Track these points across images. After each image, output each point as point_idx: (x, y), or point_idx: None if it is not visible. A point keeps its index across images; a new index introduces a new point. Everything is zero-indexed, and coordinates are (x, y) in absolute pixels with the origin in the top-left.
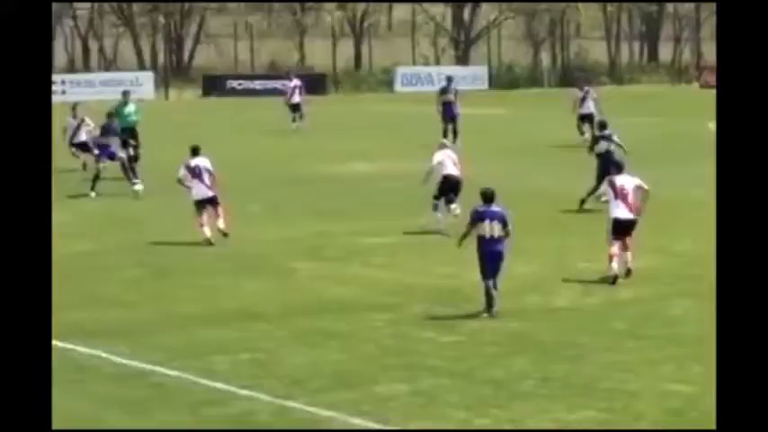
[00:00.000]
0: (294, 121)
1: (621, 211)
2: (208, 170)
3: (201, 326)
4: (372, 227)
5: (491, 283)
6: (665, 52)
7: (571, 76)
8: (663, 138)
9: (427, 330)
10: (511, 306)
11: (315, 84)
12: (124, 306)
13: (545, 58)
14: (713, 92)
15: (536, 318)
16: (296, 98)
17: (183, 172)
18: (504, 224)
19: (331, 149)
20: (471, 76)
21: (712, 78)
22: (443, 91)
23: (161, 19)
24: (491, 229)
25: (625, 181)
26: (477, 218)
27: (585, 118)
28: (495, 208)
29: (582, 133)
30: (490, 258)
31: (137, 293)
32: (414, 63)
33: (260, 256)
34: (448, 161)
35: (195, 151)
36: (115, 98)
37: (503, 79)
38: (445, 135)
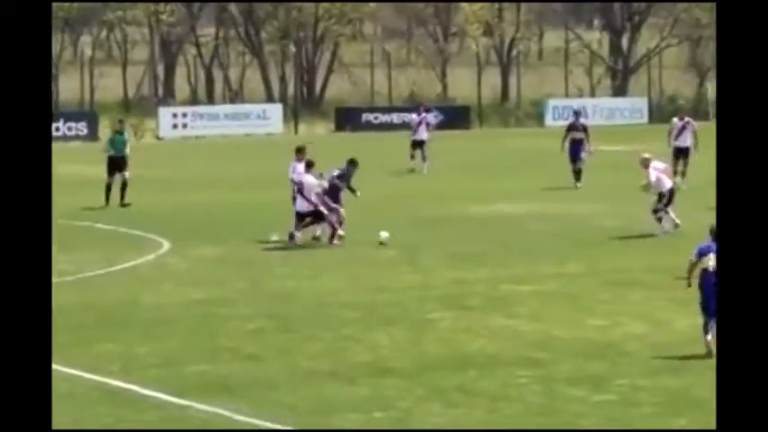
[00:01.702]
0: (413, 158)
1: None
2: (319, 186)
3: (329, 382)
4: (518, 273)
5: (714, 322)
6: None
7: None
8: None
9: (578, 388)
10: (670, 361)
11: (457, 117)
12: (246, 360)
13: (711, 88)
14: None
15: (698, 373)
16: (422, 134)
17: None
18: None
19: (473, 189)
20: (630, 109)
21: None
22: (571, 127)
23: (291, 47)
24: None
25: None
26: (704, 252)
27: (681, 152)
28: None
29: (675, 172)
30: (711, 291)
31: (260, 346)
32: (567, 95)
33: (393, 304)
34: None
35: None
36: (241, 132)
37: (664, 111)
38: (577, 178)
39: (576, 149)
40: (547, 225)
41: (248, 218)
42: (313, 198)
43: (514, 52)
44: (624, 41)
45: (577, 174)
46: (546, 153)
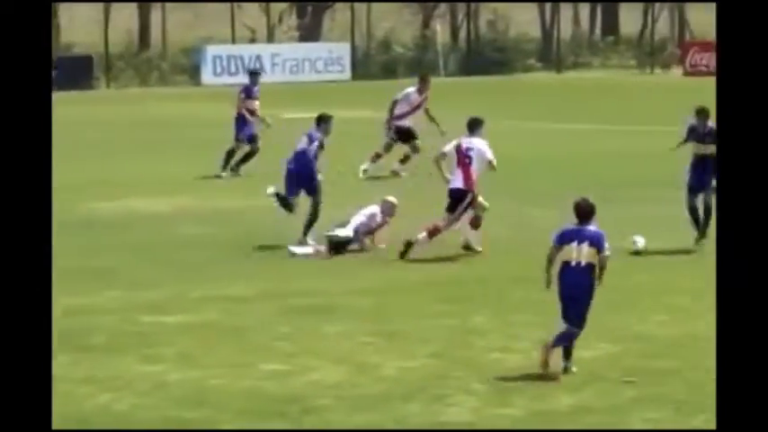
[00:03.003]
0: None
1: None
2: None
3: None
4: (162, 298)
5: (576, 331)
6: (630, 22)
7: (481, 57)
8: (627, 158)
9: None
10: (375, 421)
11: (74, 72)
12: None
13: (440, 30)
14: (705, 80)
15: None
16: None
17: None
18: (599, 248)
19: (95, 176)
20: (325, 59)
21: (705, 59)
22: (248, 93)
23: None
24: (578, 253)
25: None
26: (565, 239)
27: (406, 135)
28: (590, 228)
29: (379, 155)
30: (569, 293)
31: None
32: (233, 39)
33: None
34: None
35: None
36: None
37: (373, 63)
38: (244, 160)
39: (247, 124)
40: (205, 228)
41: None
42: None
43: None
44: None
45: (244, 157)
46: (204, 123)
